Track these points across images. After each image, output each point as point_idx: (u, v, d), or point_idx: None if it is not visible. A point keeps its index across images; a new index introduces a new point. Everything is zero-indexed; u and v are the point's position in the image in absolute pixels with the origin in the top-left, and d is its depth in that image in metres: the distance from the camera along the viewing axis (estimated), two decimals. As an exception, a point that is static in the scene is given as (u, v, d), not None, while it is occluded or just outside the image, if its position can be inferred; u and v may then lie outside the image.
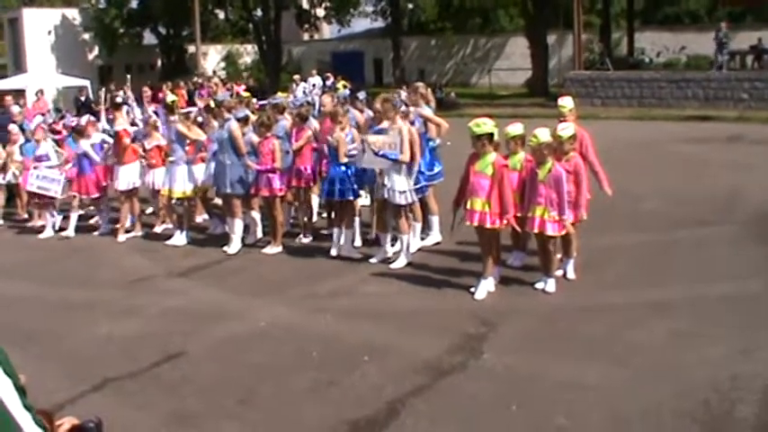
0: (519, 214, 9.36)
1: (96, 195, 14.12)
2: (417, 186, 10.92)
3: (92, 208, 15.24)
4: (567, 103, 10.66)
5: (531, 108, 30.61)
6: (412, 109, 11.39)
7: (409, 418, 6.20)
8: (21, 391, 1.62)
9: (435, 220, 11.64)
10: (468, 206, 9.20)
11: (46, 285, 11.15)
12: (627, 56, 38.51)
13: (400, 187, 10.46)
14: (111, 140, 14.23)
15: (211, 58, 56.64)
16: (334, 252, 11.42)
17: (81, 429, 2.58)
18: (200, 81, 30.94)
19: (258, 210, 12.83)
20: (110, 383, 7.39)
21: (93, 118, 15.30)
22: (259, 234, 12.79)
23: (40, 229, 14.62)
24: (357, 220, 11.83)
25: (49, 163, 14.39)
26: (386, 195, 10.59)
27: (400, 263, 10.70)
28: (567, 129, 9.63)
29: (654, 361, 7.22)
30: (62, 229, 14.37)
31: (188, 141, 12.92)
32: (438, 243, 11.57)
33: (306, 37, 61.11)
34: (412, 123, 11.00)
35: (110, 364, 7.83)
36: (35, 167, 14.50)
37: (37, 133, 14.71)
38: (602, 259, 10.51)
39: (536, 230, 9.24)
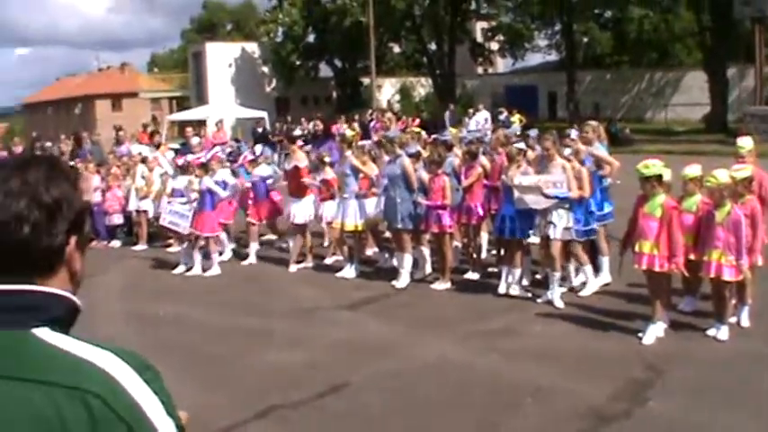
0: (693, 257, 9.11)
1: (211, 234, 14.41)
2: (588, 228, 10.80)
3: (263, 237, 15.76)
4: (745, 143, 10.32)
5: (708, 145, 29.38)
6: (583, 147, 11.26)
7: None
8: (181, 430, 1.71)
9: (605, 260, 11.42)
10: (637, 249, 9.02)
11: (221, 311, 11.61)
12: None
13: (564, 224, 10.36)
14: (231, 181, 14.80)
15: (386, 90, 57.46)
16: (501, 290, 11.38)
17: None
18: (374, 115, 31.44)
19: (427, 245, 12.92)
20: (274, 411, 7.63)
21: (221, 154, 15.86)
22: (428, 269, 12.89)
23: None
24: (527, 258, 11.77)
25: (182, 199, 14.71)
26: (549, 232, 10.51)
27: (558, 302, 10.63)
28: (742, 170, 9.31)
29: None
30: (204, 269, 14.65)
31: (361, 175, 13.18)
32: (607, 284, 11.34)
33: (480, 70, 61.23)
34: (582, 163, 10.89)
35: (276, 392, 8.08)
36: (169, 202, 15.03)
37: (212, 163, 15.04)
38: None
39: (712, 275, 8.95)
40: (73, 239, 1.77)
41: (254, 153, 16.44)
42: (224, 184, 14.59)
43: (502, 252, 12.18)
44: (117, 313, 11.97)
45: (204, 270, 14.30)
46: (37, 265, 1.72)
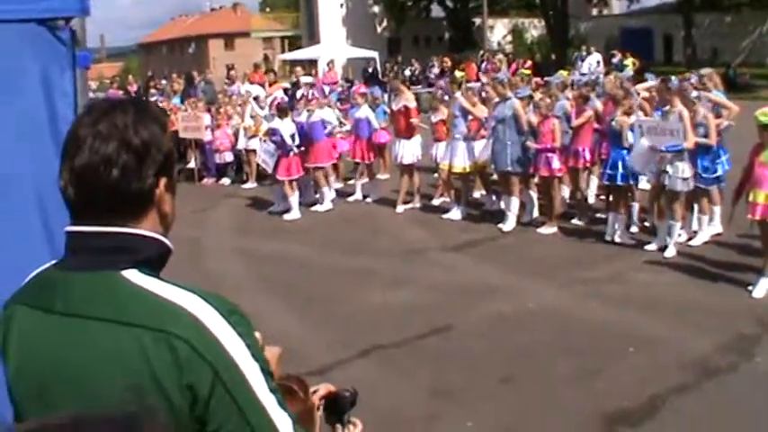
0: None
1: (294, 177, 14.36)
2: (716, 175, 10.52)
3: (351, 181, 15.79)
4: None
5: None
6: (700, 94, 10.91)
7: (669, 417, 6.03)
8: (267, 374, 1.72)
9: (717, 210, 11.10)
10: (751, 198, 8.72)
11: (327, 250, 11.76)
12: None
13: (682, 174, 10.08)
14: (335, 122, 14.69)
15: (497, 31, 56.61)
16: (608, 237, 11.21)
17: (336, 397, 2.63)
18: (485, 56, 31.04)
19: (535, 189, 12.79)
20: (377, 351, 7.73)
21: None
22: (535, 213, 12.78)
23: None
24: (635, 205, 11.55)
25: (275, 139, 14.57)
26: (665, 182, 10.25)
27: (670, 252, 10.36)
28: None
29: None
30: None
31: (470, 117, 13.08)
32: (719, 234, 11.03)
33: (594, 12, 59.71)
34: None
35: (379, 332, 8.18)
36: (264, 141, 15.12)
37: (313, 103, 15.06)
38: None
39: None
40: (162, 181, 1.78)
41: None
42: (324, 125, 14.64)
43: (610, 198, 11.97)
44: (224, 248, 12.28)
45: (286, 212, 14.45)
46: (127, 208, 1.74)
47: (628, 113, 10.87)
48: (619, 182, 10.92)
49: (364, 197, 15.27)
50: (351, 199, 15.13)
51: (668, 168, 10.13)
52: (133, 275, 1.70)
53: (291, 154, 14.07)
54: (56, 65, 2.62)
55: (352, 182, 16.82)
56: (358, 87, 16.09)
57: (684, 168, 10.08)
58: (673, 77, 11.32)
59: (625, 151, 10.78)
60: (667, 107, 10.40)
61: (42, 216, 2.42)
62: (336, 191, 15.59)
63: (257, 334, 1.90)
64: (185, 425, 1.64)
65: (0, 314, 1.86)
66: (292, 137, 14.07)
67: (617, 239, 11.07)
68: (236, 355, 1.66)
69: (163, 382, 1.61)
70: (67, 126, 2.49)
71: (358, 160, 15.33)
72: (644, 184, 12.07)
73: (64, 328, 1.69)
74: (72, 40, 2.68)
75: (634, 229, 11.47)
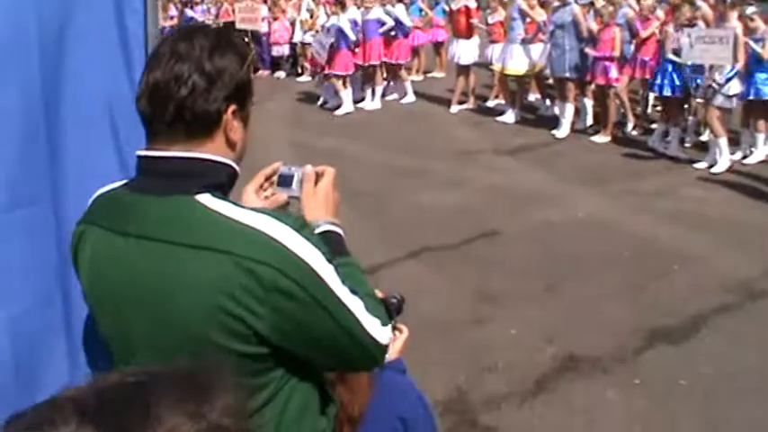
0: None
1: (345, 73, 14.31)
2: None
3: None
4: None
5: None
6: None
7: (709, 336, 6.08)
8: (337, 269, 1.83)
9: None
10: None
11: (379, 148, 11.84)
12: None
13: (726, 90, 9.90)
14: (389, 21, 14.47)
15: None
16: (660, 148, 11.12)
17: (384, 303, 2.71)
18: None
19: (591, 96, 12.66)
20: (425, 252, 7.84)
21: None
22: (589, 121, 12.67)
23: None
24: (691, 119, 11.41)
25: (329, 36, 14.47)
26: (711, 97, 10.10)
27: (720, 167, 10.26)
28: None
29: None
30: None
31: (528, 20, 12.90)
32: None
33: None
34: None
35: (427, 234, 8.28)
36: (316, 32, 14.99)
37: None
38: None
39: None
40: (231, 108, 1.84)
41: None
42: (379, 23, 14.49)
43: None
44: (277, 141, 12.36)
45: (337, 107, 14.44)
46: (195, 130, 1.81)
47: (689, 23, 10.63)
48: (665, 93, 10.80)
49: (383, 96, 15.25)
50: (404, 101, 15.05)
51: (713, 84, 9.97)
52: (206, 199, 1.77)
53: (346, 48, 14.01)
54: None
55: (431, 74, 16.80)
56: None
57: (730, 85, 9.90)
58: None
59: (669, 65, 10.64)
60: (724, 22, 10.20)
61: (113, 130, 2.50)
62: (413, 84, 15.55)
63: (308, 167, 2.19)
64: (268, 337, 1.74)
65: (74, 231, 1.96)
66: (351, 30, 14.01)
67: (668, 152, 10.98)
68: (314, 264, 1.75)
69: (246, 303, 1.68)
70: (138, 42, 2.57)
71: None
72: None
73: (138, 251, 1.77)
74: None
75: (689, 143, 11.35)
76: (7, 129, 2.18)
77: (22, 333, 2.21)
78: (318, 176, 2.22)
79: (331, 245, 1.96)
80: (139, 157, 1.86)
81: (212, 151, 1.84)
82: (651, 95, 12.65)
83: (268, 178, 2.19)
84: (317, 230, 2.03)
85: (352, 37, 14.02)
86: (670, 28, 10.83)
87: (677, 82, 10.66)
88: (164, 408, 0.91)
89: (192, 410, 0.93)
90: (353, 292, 1.85)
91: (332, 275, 1.79)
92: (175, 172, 1.80)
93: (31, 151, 2.25)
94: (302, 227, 1.80)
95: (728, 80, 9.95)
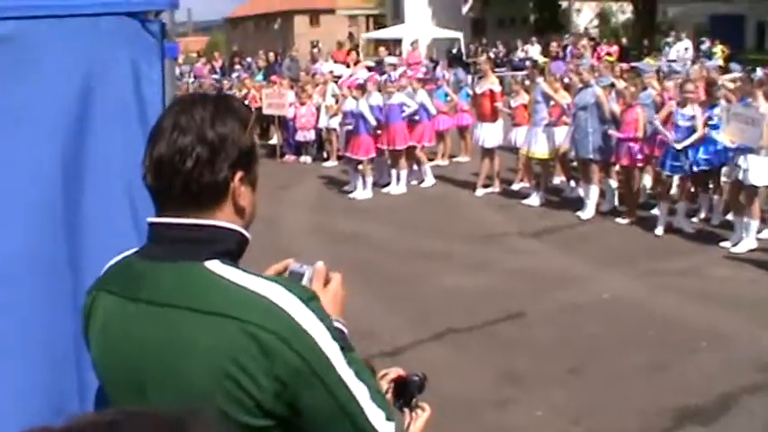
0: None
1: (363, 158, 14.32)
2: None
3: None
4: None
5: None
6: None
7: (741, 416, 5.97)
8: (343, 350, 1.81)
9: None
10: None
11: (404, 232, 11.85)
12: None
13: (757, 168, 9.88)
14: (413, 105, 14.61)
15: (584, 14, 55.75)
16: (687, 228, 11.08)
17: (404, 381, 2.67)
18: (570, 40, 30.64)
19: (615, 178, 12.67)
20: (450, 334, 7.81)
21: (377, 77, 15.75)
22: (615, 202, 12.65)
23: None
24: (716, 198, 11.36)
25: (349, 121, 14.60)
26: (740, 176, 10.08)
27: (743, 247, 10.18)
28: None
29: None
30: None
31: (552, 103, 13.02)
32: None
33: (685, -4, 58.44)
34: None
35: (452, 316, 8.25)
36: (340, 124, 15.18)
37: (368, 85, 14.92)
38: None
39: None
40: (237, 175, 1.84)
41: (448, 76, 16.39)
42: (402, 107, 14.66)
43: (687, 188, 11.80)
44: (302, 226, 12.46)
45: (362, 192, 14.51)
46: (202, 200, 1.81)
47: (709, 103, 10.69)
48: (667, 171, 10.87)
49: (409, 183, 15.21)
50: (424, 185, 15.14)
51: (741, 162, 9.97)
52: (215, 266, 1.77)
53: (366, 132, 14.15)
54: (145, 55, 2.73)
55: (456, 159, 16.93)
56: (414, 74, 15.99)
57: (758, 163, 9.89)
58: (758, 69, 11.08)
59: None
60: (750, 100, 10.23)
61: (130, 199, 2.54)
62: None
63: (319, 264, 2.10)
64: (268, 408, 1.71)
65: (85, 299, 1.98)
66: (372, 113, 14.16)
67: (675, 226, 10.98)
68: (321, 341, 1.73)
69: (252, 372, 1.68)
70: (155, 113, 2.61)
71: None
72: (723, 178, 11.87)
73: (150, 317, 1.77)
74: (161, 32, 2.79)
75: (716, 221, 11.29)
76: (23, 202, 2.22)
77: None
78: (328, 275, 2.22)
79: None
80: (150, 224, 1.87)
81: (221, 218, 1.84)
82: (675, 177, 12.61)
83: (279, 274, 2.19)
84: None
85: (372, 121, 14.15)
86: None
87: (679, 161, 10.73)
88: None
89: None
90: (359, 377, 1.82)
91: (337, 354, 1.77)
92: (185, 239, 1.81)
93: (48, 225, 2.29)
94: (310, 299, 1.78)
95: (755, 156, 9.92)
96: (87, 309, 1.94)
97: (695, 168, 10.84)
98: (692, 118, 10.67)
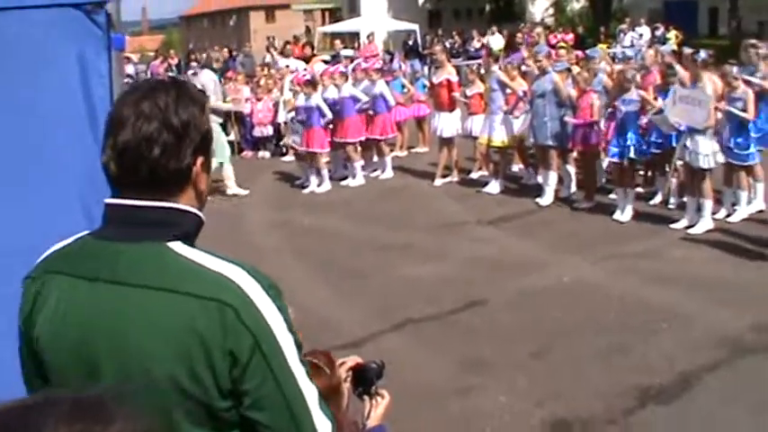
0: None
1: (320, 150, 14.31)
2: (748, 152, 10.38)
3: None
4: None
5: None
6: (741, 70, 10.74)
7: (701, 394, 6.02)
8: (299, 347, 1.80)
9: (760, 187, 10.96)
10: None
11: (361, 224, 11.84)
12: None
13: (704, 150, 9.97)
14: (363, 98, 14.62)
15: (539, 3, 56.02)
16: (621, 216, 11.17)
17: (363, 369, 2.67)
18: (524, 29, 30.75)
19: (573, 163, 12.72)
20: (410, 324, 7.79)
21: (333, 68, 15.71)
22: (573, 188, 12.70)
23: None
24: (674, 181, 11.43)
25: (300, 117, 14.50)
26: (687, 158, 10.17)
27: (699, 228, 10.26)
28: None
29: None
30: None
31: (509, 91, 13.04)
32: (761, 211, 10.88)
33: (638, -18, 58.98)
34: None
35: (412, 306, 8.23)
36: (291, 120, 15.12)
37: (323, 79, 14.86)
38: None
39: None
40: (199, 160, 1.87)
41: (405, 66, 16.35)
42: (354, 100, 14.62)
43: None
44: (262, 221, 12.41)
45: (318, 186, 14.45)
46: (167, 185, 1.83)
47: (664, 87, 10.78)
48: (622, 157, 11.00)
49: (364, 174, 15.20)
50: (382, 176, 15.09)
51: (688, 144, 10.05)
52: (178, 247, 1.80)
53: (319, 126, 14.07)
54: (91, 47, 2.71)
55: (414, 149, 16.92)
56: (371, 65, 15.90)
57: (705, 144, 9.97)
58: (701, 51, 11.17)
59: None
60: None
61: (80, 193, 2.50)
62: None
63: (289, 308, 1.98)
64: (224, 388, 1.72)
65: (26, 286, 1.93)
66: (325, 108, 14.08)
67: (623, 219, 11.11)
68: (275, 326, 1.75)
69: (209, 347, 1.70)
70: (103, 106, 2.58)
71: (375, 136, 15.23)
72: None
73: (111, 295, 1.77)
74: (107, 23, 2.77)
75: (672, 205, 11.37)
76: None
77: None
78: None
79: None
80: (109, 205, 1.86)
81: (181, 201, 1.86)
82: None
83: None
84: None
85: (329, 114, 14.07)
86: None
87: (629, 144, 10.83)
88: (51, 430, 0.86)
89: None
90: (311, 380, 1.82)
91: (290, 346, 1.78)
92: (149, 220, 1.82)
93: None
94: (270, 287, 1.80)
95: (701, 138, 9.99)
96: (32, 294, 1.90)
97: (632, 154, 10.89)
98: (633, 102, 10.78)
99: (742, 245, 9.69)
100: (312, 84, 14.30)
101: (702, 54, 10.90)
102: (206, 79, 14.45)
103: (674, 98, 10.24)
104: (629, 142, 10.81)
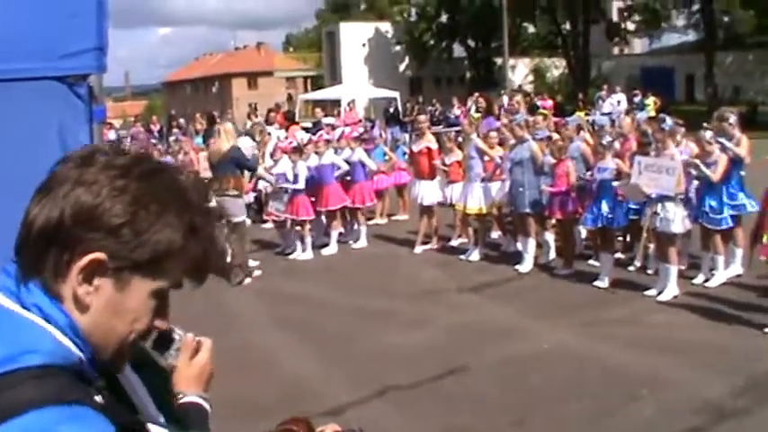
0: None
1: (305, 218, 14.33)
2: (721, 216, 10.50)
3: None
4: None
5: None
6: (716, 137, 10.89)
7: (682, 460, 6.01)
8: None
9: (738, 251, 11.07)
10: (765, 240, 8.74)
11: (344, 291, 11.85)
12: None
13: (674, 215, 10.09)
14: (344, 166, 14.76)
15: (519, 71, 56.89)
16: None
17: None
18: (504, 96, 31.07)
19: (552, 230, 12.81)
20: (391, 391, 7.77)
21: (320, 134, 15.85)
22: (552, 255, 12.78)
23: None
24: (652, 247, 11.52)
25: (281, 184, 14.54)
26: (658, 224, 10.28)
27: (666, 295, 10.34)
28: None
29: None
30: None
31: (487, 158, 13.16)
32: (739, 276, 10.98)
33: (615, 51, 59.99)
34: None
35: (393, 373, 8.22)
36: (272, 191, 15.22)
37: (307, 148, 14.81)
38: None
39: None
40: None
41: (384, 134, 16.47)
42: (333, 168, 14.70)
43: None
44: (244, 286, 12.36)
45: (303, 252, 14.47)
46: None
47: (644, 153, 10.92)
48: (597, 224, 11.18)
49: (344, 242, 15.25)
50: (355, 246, 15.12)
51: (658, 210, 10.18)
52: None
53: (303, 194, 14.09)
54: (73, 119, 2.73)
55: (395, 217, 16.96)
56: (350, 133, 16.06)
57: (675, 210, 10.10)
58: (667, 118, 11.40)
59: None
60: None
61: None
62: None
63: (189, 335, 1.96)
64: None
65: None
66: (300, 177, 14.07)
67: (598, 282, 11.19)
68: None
69: None
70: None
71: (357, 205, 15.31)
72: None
73: None
74: (89, 95, 2.80)
75: (650, 270, 11.45)
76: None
77: None
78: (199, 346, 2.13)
79: (192, 416, 1.88)
80: None
81: None
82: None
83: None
84: (184, 400, 1.92)
85: (301, 185, 14.00)
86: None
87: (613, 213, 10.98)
88: None
89: None
90: None
91: None
92: None
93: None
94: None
95: (670, 204, 10.13)
96: None
97: (602, 223, 11.05)
98: (608, 170, 10.94)
99: (720, 309, 9.76)
100: (298, 151, 14.40)
101: (669, 121, 11.11)
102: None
103: (639, 168, 10.39)
104: (603, 210, 10.95)
